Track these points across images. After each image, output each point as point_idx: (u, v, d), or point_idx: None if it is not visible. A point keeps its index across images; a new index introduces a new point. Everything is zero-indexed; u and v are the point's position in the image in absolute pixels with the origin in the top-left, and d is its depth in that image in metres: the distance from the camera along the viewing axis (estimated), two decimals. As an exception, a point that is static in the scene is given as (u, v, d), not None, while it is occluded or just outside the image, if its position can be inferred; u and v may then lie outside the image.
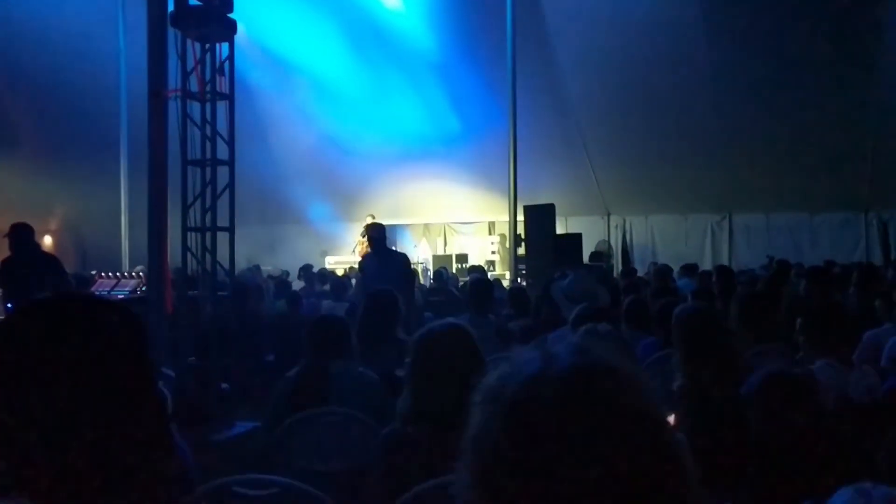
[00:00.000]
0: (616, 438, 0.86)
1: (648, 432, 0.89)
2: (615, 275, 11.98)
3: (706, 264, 13.76)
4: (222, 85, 6.32)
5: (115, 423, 1.09)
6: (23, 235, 7.05)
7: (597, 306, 4.06)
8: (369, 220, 15.49)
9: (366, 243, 15.19)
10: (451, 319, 2.72)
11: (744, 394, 2.55)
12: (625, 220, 16.54)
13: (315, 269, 12.55)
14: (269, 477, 2.16)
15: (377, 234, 7.46)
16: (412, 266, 8.22)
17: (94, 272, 10.52)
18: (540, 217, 11.87)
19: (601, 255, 14.71)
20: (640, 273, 11.75)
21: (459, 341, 2.48)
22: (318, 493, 2.11)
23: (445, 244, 18.30)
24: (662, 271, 9.40)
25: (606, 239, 16.46)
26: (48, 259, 7.05)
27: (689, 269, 10.44)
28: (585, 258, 12.94)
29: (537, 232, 11.80)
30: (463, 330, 2.53)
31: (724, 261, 14.85)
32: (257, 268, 12.94)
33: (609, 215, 16.64)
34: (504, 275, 14.18)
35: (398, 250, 8.45)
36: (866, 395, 3.19)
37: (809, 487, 1.89)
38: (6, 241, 7.13)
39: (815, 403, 2.36)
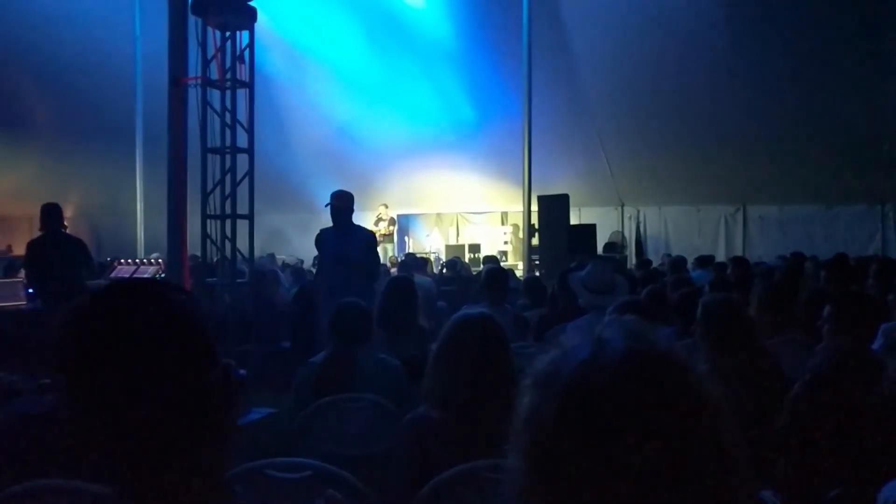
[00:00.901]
0: (670, 422, 0.87)
1: (703, 416, 0.89)
2: (629, 266, 11.95)
3: (720, 256, 13.72)
4: (242, 73, 6.37)
5: (187, 396, 1.12)
6: (53, 216, 7.03)
7: (630, 298, 4.07)
8: (382, 210, 15.59)
9: (380, 231, 15.40)
10: (480, 308, 2.73)
11: (811, 371, 2.56)
12: (638, 212, 16.50)
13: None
14: (302, 460, 2.19)
15: (341, 204, 6.54)
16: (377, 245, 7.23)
17: (108, 259, 10.62)
18: (554, 207, 11.87)
19: (615, 246, 14.71)
20: (654, 265, 11.74)
21: (490, 330, 2.49)
22: (350, 478, 2.13)
23: (458, 234, 18.31)
24: (677, 263, 9.39)
25: (620, 230, 16.44)
26: (76, 242, 7.06)
27: (704, 261, 10.41)
28: (599, 249, 12.95)
29: (551, 222, 11.80)
30: (493, 319, 2.54)
31: (738, 253, 14.76)
32: (272, 256, 12.99)
33: (623, 206, 16.61)
34: (516, 265, 14.18)
35: (364, 227, 7.38)
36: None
37: (868, 468, 1.90)
38: (26, 227, 7.16)
39: (887, 384, 2.36)
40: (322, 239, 6.73)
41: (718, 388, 0.94)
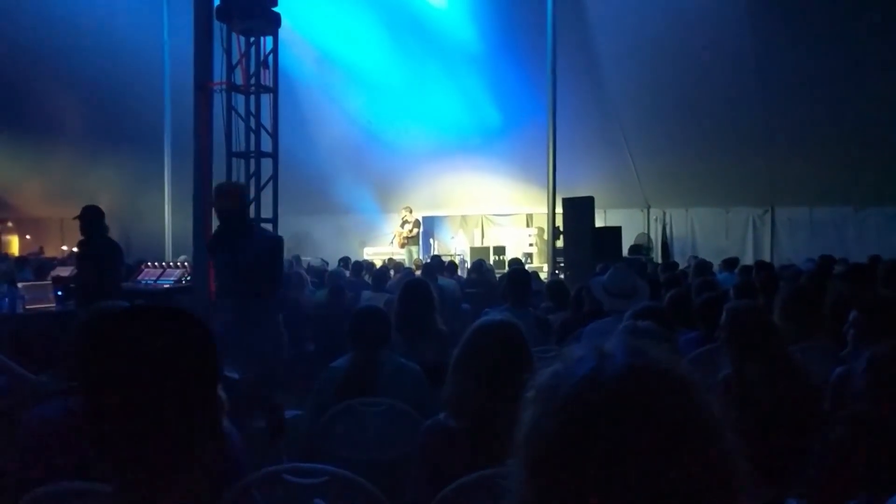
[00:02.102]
0: (669, 441, 0.87)
1: (703, 435, 0.90)
2: (657, 268, 11.86)
3: (748, 258, 13.59)
4: (266, 78, 6.44)
5: (184, 418, 1.24)
6: (94, 218, 6.99)
7: (649, 303, 4.04)
8: (405, 213, 15.64)
9: (404, 233, 15.45)
10: (503, 315, 2.72)
11: (847, 372, 2.54)
12: (665, 213, 16.38)
13: (354, 260, 12.63)
14: (320, 466, 2.21)
15: (224, 204, 5.19)
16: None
17: (135, 261, 10.76)
18: (579, 209, 11.82)
19: (640, 248, 14.62)
20: (681, 267, 11.65)
21: (510, 337, 2.46)
22: (367, 484, 2.15)
23: (483, 236, 18.30)
24: (702, 266, 9.31)
25: (646, 232, 16.34)
26: (114, 246, 7.07)
27: (730, 264, 10.32)
28: (625, 251, 12.87)
29: (576, 224, 11.74)
30: (515, 326, 2.52)
31: (766, 255, 14.64)
32: (297, 258, 13.07)
33: (649, 208, 16.50)
34: (542, 267, 14.15)
35: (265, 230, 6.21)
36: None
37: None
38: (56, 229, 7.24)
39: None
40: (212, 247, 5.44)
41: (720, 405, 0.93)
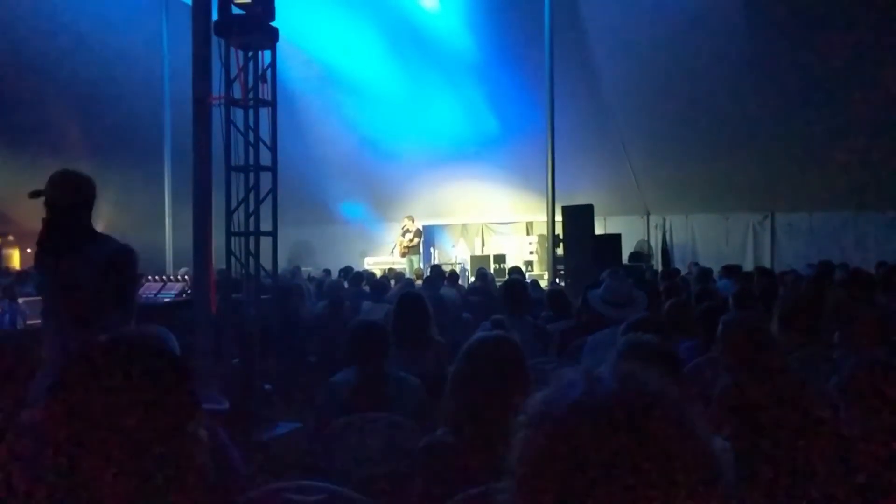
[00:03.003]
0: (658, 466, 0.88)
1: (690, 460, 0.91)
2: (657, 275, 11.88)
3: (748, 264, 13.60)
4: (265, 91, 6.45)
5: (160, 453, 1.26)
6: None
7: (644, 314, 4.05)
8: (407, 222, 15.66)
9: (405, 242, 15.47)
10: (499, 331, 2.73)
11: (836, 383, 2.55)
12: (665, 220, 16.39)
13: (355, 270, 12.65)
14: (319, 484, 2.22)
15: (57, 200, 4.09)
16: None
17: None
18: (578, 217, 11.84)
19: (641, 256, 14.63)
20: (682, 273, 11.66)
21: (506, 353, 2.47)
22: (367, 501, 2.15)
23: (483, 244, 18.32)
24: (703, 274, 9.33)
25: (646, 239, 16.35)
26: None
27: (731, 270, 10.33)
28: (625, 258, 12.88)
29: (576, 232, 11.76)
30: (511, 342, 2.52)
31: (767, 261, 14.65)
32: (297, 269, 13.10)
33: (649, 215, 16.52)
34: (542, 275, 14.15)
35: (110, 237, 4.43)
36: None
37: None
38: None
39: None
40: (37, 254, 4.12)
41: (707, 430, 0.95)
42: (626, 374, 0.98)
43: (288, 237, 15.08)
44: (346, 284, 9.61)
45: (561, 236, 12.08)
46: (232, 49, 6.33)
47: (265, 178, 6.57)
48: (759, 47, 11.81)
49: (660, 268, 14.21)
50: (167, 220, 14.77)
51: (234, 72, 6.36)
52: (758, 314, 4.06)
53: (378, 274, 12.33)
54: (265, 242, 6.61)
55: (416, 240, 15.76)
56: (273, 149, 6.49)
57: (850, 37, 11.20)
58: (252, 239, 6.52)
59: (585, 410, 0.93)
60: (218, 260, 6.38)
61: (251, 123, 6.47)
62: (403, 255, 15.57)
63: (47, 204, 4.07)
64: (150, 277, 8.17)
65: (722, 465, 0.93)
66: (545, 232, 13.01)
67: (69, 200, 4.04)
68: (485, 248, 18.06)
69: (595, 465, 0.88)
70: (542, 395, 1.00)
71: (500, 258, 16.35)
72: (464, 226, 18.50)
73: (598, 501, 0.87)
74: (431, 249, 17.69)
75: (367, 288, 10.05)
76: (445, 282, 10.33)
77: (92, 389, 1.25)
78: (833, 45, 11.37)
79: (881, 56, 11.41)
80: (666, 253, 16.07)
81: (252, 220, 6.51)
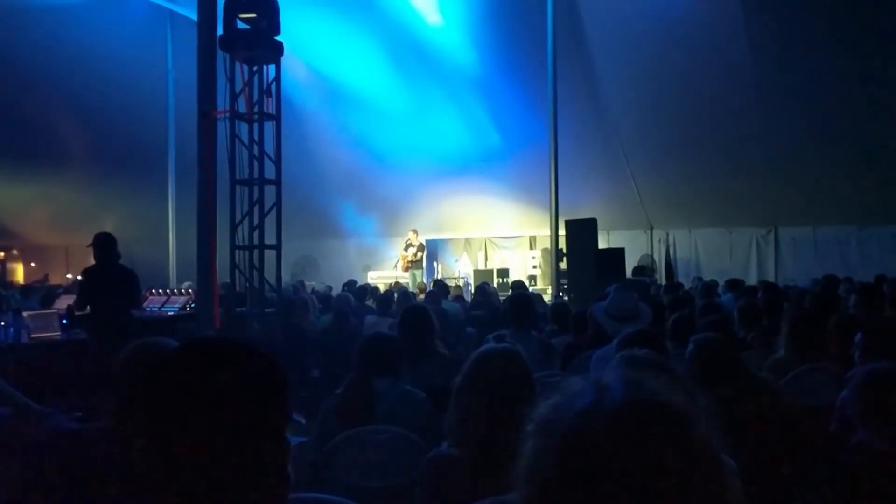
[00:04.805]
0: (669, 475, 0.87)
1: (701, 468, 0.90)
2: (661, 289, 11.86)
3: (751, 279, 13.56)
4: (269, 105, 6.49)
5: (240, 463, 1.19)
6: (107, 246, 6.79)
7: (640, 327, 4.04)
8: (411, 236, 15.67)
9: (408, 257, 15.47)
10: (504, 343, 2.71)
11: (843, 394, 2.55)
12: (668, 234, 16.38)
13: (358, 284, 12.63)
14: (321, 496, 2.20)
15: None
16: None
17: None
18: (581, 231, 11.83)
19: (644, 270, 14.60)
20: (686, 287, 11.64)
21: (512, 365, 2.45)
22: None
23: (486, 259, 18.31)
24: (708, 287, 9.30)
25: (650, 253, 16.33)
26: (128, 274, 6.95)
27: (735, 284, 10.30)
28: (628, 273, 12.86)
29: (579, 246, 11.75)
30: (516, 354, 2.50)
31: (770, 275, 14.62)
32: (301, 283, 13.08)
33: (652, 229, 16.51)
34: (546, 289, 14.14)
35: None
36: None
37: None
38: (61, 256, 7.21)
39: None
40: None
41: (719, 438, 0.94)
42: (635, 382, 0.97)
43: (291, 252, 15.13)
44: (352, 299, 9.59)
45: (564, 250, 12.07)
46: (237, 63, 6.37)
47: (269, 191, 6.60)
48: (762, 64, 11.83)
49: (663, 282, 14.18)
50: (171, 234, 14.81)
51: (238, 86, 6.41)
52: (726, 336, 4.07)
53: (382, 288, 12.31)
54: (269, 256, 6.63)
55: (420, 254, 15.75)
56: (277, 162, 6.53)
57: (851, 53, 11.23)
58: (256, 252, 6.53)
59: (596, 418, 0.92)
60: (222, 273, 6.40)
61: (255, 137, 6.51)
62: (406, 269, 15.56)
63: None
64: (153, 290, 8.17)
65: (732, 473, 0.92)
66: (548, 246, 13.00)
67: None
68: (488, 263, 18.04)
69: (605, 472, 0.87)
70: (550, 403, 0.99)
71: (503, 272, 16.33)
72: (467, 240, 18.49)
73: None
74: (435, 264, 17.68)
75: (370, 302, 10.03)
76: (450, 297, 10.31)
77: (194, 386, 1.19)
78: (834, 60, 11.39)
79: (884, 71, 11.42)
80: (669, 267, 16.05)
81: (256, 233, 6.53)
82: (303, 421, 3.61)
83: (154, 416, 1.19)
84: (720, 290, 10.39)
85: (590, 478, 0.88)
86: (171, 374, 1.22)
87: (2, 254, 20.08)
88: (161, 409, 1.19)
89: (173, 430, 1.16)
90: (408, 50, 13.61)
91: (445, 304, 8.71)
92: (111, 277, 6.68)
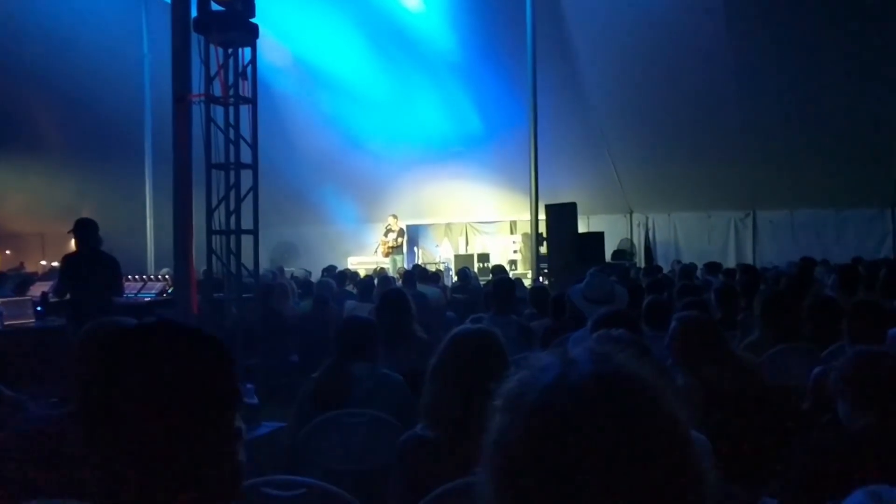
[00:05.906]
0: (635, 448, 0.87)
1: (668, 441, 0.89)
2: (640, 273, 11.93)
3: (730, 262, 13.69)
4: (245, 89, 6.42)
5: (194, 442, 1.19)
6: (89, 232, 6.77)
7: (615, 308, 4.06)
8: (391, 221, 15.63)
9: (388, 242, 15.44)
10: (480, 325, 2.71)
11: (832, 374, 2.57)
12: (647, 218, 16.47)
13: (338, 270, 12.59)
14: (299, 478, 2.20)
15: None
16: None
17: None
18: (562, 216, 11.84)
19: (624, 254, 14.68)
20: (665, 271, 11.72)
21: (487, 346, 2.44)
22: (345, 495, 2.14)
23: (467, 244, 18.32)
24: (687, 270, 9.37)
25: (629, 237, 16.41)
26: (108, 261, 6.87)
27: (713, 267, 10.38)
28: (608, 256, 12.92)
29: (559, 231, 11.77)
30: (492, 334, 2.50)
31: (748, 258, 14.75)
32: (281, 270, 13.03)
33: (632, 213, 16.59)
34: (526, 274, 14.17)
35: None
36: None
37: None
38: (36, 243, 7.14)
39: None
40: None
41: (686, 410, 0.93)
42: (602, 355, 0.96)
43: (270, 238, 15.04)
44: (334, 284, 9.56)
45: (545, 235, 12.10)
46: (212, 46, 6.29)
47: (246, 176, 6.54)
48: (739, 47, 11.88)
49: (643, 265, 14.27)
50: (148, 221, 14.67)
51: (214, 69, 6.33)
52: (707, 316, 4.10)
53: (362, 274, 12.28)
54: (246, 241, 6.58)
55: (400, 239, 15.72)
56: (254, 146, 6.47)
57: (829, 38, 11.29)
58: (233, 237, 6.48)
59: (562, 391, 0.91)
60: (199, 259, 6.34)
61: (232, 121, 6.44)
62: (387, 255, 15.53)
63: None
64: (129, 277, 8.10)
65: (702, 450, 0.92)
66: (529, 231, 13.02)
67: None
68: (469, 248, 18.06)
69: (573, 445, 0.87)
70: (517, 377, 0.98)
71: (484, 257, 16.35)
72: (448, 225, 18.48)
73: (578, 483, 0.86)
74: (415, 249, 17.67)
75: (350, 287, 10.01)
76: (427, 281, 10.28)
77: (138, 369, 1.18)
78: (812, 45, 11.46)
79: (859, 56, 11.50)
80: (649, 251, 16.15)
81: (233, 218, 6.47)
82: (257, 404, 3.64)
83: (96, 393, 1.19)
84: (699, 273, 10.47)
85: (557, 451, 0.87)
86: (116, 352, 1.22)
87: (-24, 242, 19.82)
88: (104, 386, 1.18)
89: (113, 408, 1.16)
90: (389, 35, 13.52)
91: (426, 289, 8.71)
92: (92, 263, 6.62)
